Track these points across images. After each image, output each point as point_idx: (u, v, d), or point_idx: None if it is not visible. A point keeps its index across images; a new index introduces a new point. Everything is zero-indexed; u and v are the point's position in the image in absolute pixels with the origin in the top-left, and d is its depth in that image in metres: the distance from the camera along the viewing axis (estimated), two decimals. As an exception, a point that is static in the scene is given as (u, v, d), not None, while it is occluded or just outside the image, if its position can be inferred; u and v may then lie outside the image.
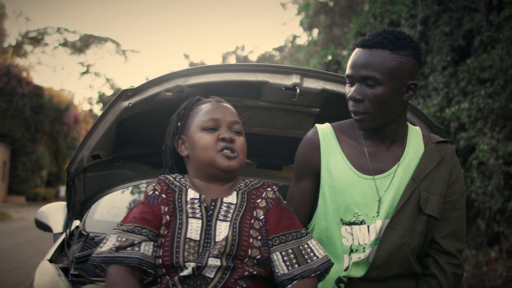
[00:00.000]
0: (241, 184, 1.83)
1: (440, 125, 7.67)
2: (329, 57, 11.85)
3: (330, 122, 2.03)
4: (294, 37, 25.38)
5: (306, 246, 1.73)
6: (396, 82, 1.78)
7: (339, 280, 1.83)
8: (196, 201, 1.75)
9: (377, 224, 1.82)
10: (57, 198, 28.82)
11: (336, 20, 11.82)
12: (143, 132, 2.61)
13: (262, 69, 2.33)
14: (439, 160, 1.88)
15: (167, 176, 1.84)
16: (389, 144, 1.90)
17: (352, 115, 1.85)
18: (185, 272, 1.62)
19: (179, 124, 1.88)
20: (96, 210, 3.20)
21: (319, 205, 1.91)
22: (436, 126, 2.43)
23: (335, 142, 1.93)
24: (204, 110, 1.84)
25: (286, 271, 1.69)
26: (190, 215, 1.71)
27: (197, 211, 1.72)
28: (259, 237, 1.71)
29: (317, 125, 2.00)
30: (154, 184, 1.80)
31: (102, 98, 40.15)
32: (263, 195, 1.79)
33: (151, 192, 1.76)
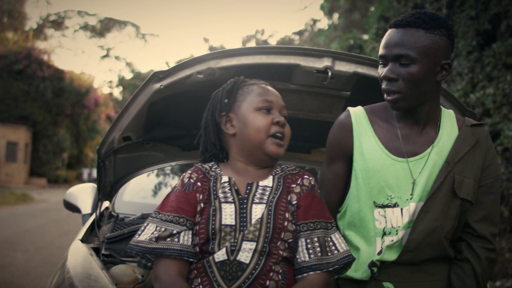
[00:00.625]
0: (278, 170, 1.83)
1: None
2: (351, 42, 11.76)
3: (361, 105, 2.01)
4: (314, 21, 25.21)
5: (329, 239, 1.73)
6: (430, 61, 1.76)
7: (372, 264, 1.82)
8: (226, 184, 1.75)
9: (411, 207, 1.80)
10: (79, 180, 29.18)
11: (357, 4, 11.70)
12: (174, 114, 2.62)
13: (294, 52, 2.32)
14: (473, 143, 1.86)
15: (203, 165, 1.83)
16: (423, 126, 1.88)
17: (385, 95, 1.84)
18: (220, 257, 1.63)
19: (226, 101, 1.83)
20: (125, 192, 3.23)
21: (351, 188, 1.90)
22: (468, 111, 2.40)
23: (367, 124, 1.92)
24: (258, 91, 1.82)
25: (307, 258, 1.69)
26: (223, 200, 1.71)
27: (229, 195, 1.72)
28: (293, 221, 1.71)
29: (349, 108, 1.98)
30: (190, 172, 1.79)
31: (121, 82, 40.40)
32: (298, 181, 1.78)
33: (187, 180, 1.76)
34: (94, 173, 24.19)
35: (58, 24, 36.04)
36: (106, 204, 3.05)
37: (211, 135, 1.84)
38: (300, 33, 28.81)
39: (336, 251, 1.71)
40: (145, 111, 2.44)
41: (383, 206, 1.84)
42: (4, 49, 25.92)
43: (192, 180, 1.75)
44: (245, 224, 1.67)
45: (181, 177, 1.80)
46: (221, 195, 1.72)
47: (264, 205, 1.71)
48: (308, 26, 27.23)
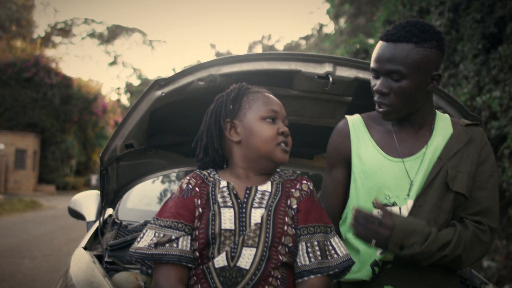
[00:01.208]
0: (276, 176, 1.84)
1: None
2: (357, 46, 11.75)
3: (362, 111, 2.07)
4: (321, 26, 25.23)
5: (329, 243, 1.74)
6: (421, 75, 1.81)
7: (374, 263, 1.85)
8: (225, 189, 1.75)
9: (409, 204, 1.84)
10: (87, 186, 29.29)
11: (362, 8, 11.71)
12: (176, 121, 2.62)
13: (295, 58, 2.33)
14: (467, 140, 1.90)
15: (201, 171, 1.84)
16: (417, 129, 1.93)
17: (377, 106, 1.88)
18: (219, 263, 1.64)
19: (231, 107, 1.83)
20: (129, 199, 3.24)
21: (351, 191, 1.94)
22: (471, 115, 2.42)
23: (364, 129, 1.98)
24: (264, 100, 1.82)
25: (307, 262, 1.69)
26: (222, 205, 1.71)
27: (228, 199, 1.73)
28: (293, 225, 1.72)
29: (347, 116, 2.04)
30: (188, 178, 1.80)
31: (129, 88, 40.54)
32: (297, 186, 1.79)
33: (186, 185, 1.77)
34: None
35: (65, 32, 36.27)
36: (109, 211, 3.06)
37: (214, 140, 1.83)
38: (306, 38, 28.84)
39: (336, 255, 1.72)
40: (147, 118, 2.45)
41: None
42: (12, 57, 26.09)
43: (190, 186, 1.76)
44: (244, 228, 1.68)
45: (180, 183, 1.81)
46: (220, 200, 1.72)
47: (263, 209, 1.71)
48: (315, 31, 27.25)
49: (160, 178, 3.51)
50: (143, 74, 42.90)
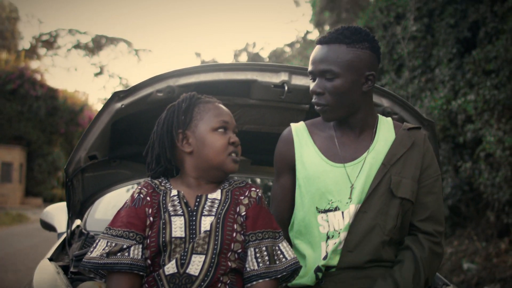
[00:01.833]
0: (225, 184, 1.88)
1: (447, 117, 7.60)
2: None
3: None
4: (306, 33, 25.32)
5: (277, 247, 1.79)
6: (353, 74, 1.88)
7: (317, 269, 1.88)
8: (175, 197, 1.79)
9: (351, 209, 1.88)
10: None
11: (342, 16, 11.84)
12: (138, 132, 2.66)
13: (251, 68, 2.38)
14: (410, 145, 1.95)
15: (153, 180, 1.88)
16: (358, 133, 1.98)
17: (315, 107, 1.95)
18: (170, 270, 1.68)
19: (183, 118, 1.86)
20: (97, 210, 3.27)
21: (296, 197, 1.99)
22: (426, 120, 2.47)
23: (307, 136, 2.03)
24: (215, 112, 1.87)
25: (256, 267, 1.74)
26: (172, 213, 1.75)
27: (178, 208, 1.77)
28: (242, 232, 1.76)
29: (291, 124, 2.10)
30: (140, 187, 1.84)
31: (116, 99, 40.34)
32: (246, 194, 1.84)
33: (137, 195, 1.81)
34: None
35: (50, 43, 36.19)
36: (78, 222, 3.09)
37: (166, 150, 1.86)
38: (291, 45, 28.90)
39: (284, 259, 1.77)
40: (109, 130, 2.49)
41: (325, 211, 1.91)
42: (-4, 70, 26.00)
43: (141, 195, 1.80)
44: (194, 236, 1.72)
45: (132, 193, 1.85)
46: (170, 209, 1.77)
47: (213, 217, 1.76)
48: (300, 38, 27.32)
49: (129, 187, 3.54)
50: (130, 83, 42.82)
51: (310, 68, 1.93)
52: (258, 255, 1.75)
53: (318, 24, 14.45)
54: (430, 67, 8.37)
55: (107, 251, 1.70)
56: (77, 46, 37.26)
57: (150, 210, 1.77)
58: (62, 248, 2.81)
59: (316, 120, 2.08)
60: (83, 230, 2.91)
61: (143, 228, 1.75)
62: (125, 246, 1.71)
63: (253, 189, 1.86)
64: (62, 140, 28.25)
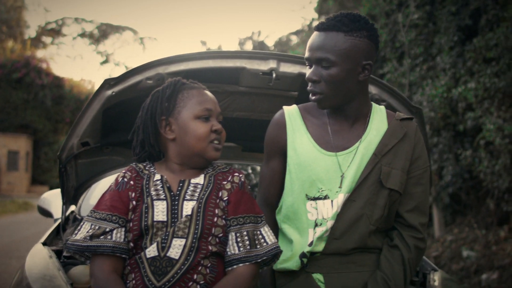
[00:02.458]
0: (209, 169, 1.90)
1: (448, 105, 7.59)
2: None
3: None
4: (312, 20, 25.24)
5: (258, 232, 1.81)
6: (350, 63, 1.85)
7: (302, 255, 1.90)
8: (158, 182, 1.82)
9: (339, 198, 1.88)
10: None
11: (346, 4, 11.80)
12: (129, 119, 2.68)
13: (240, 56, 2.40)
14: (401, 136, 1.94)
15: (137, 164, 1.90)
16: (352, 122, 1.97)
17: (310, 95, 1.93)
18: (151, 253, 1.71)
19: (166, 104, 1.86)
20: (92, 196, 3.32)
21: (286, 182, 1.98)
22: (414, 107, 2.49)
23: (300, 121, 2.01)
24: (198, 99, 1.87)
25: (237, 251, 1.76)
26: (155, 198, 1.78)
27: (161, 192, 1.79)
28: (223, 216, 1.79)
29: (284, 107, 2.07)
30: (124, 171, 1.86)
31: (121, 87, 40.33)
32: (229, 179, 1.86)
33: (121, 179, 1.83)
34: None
35: (56, 32, 36.21)
36: (73, 208, 3.14)
37: (150, 136, 1.88)
38: (297, 33, 28.81)
39: (265, 244, 1.78)
40: (100, 117, 2.53)
41: (315, 199, 1.91)
42: (2, 58, 26.06)
43: (125, 179, 1.82)
44: (176, 220, 1.75)
45: (116, 176, 1.88)
46: (153, 193, 1.79)
47: (195, 202, 1.78)
48: (305, 26, 27.23)
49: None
50: (136, 72, 42.67)
51: (306, 54, 1.91)
52: (239, 239, 1.77)
53: (322, 12, 14.40)
54: (431, 55, 8.35)
55: (90, 233, 1.73)
56: (83, 34, 37.27)
57: (133, 194, 1.80)
58: (57, 233, 2.86)
59: (309, 105, 2.06)
60: (77, 216, 2.96)
61: (126, 211, 1.78)
62: (108, 229, 1.74)
63: (236, 174, 1.88)
64: (68, 128, 28.32)
